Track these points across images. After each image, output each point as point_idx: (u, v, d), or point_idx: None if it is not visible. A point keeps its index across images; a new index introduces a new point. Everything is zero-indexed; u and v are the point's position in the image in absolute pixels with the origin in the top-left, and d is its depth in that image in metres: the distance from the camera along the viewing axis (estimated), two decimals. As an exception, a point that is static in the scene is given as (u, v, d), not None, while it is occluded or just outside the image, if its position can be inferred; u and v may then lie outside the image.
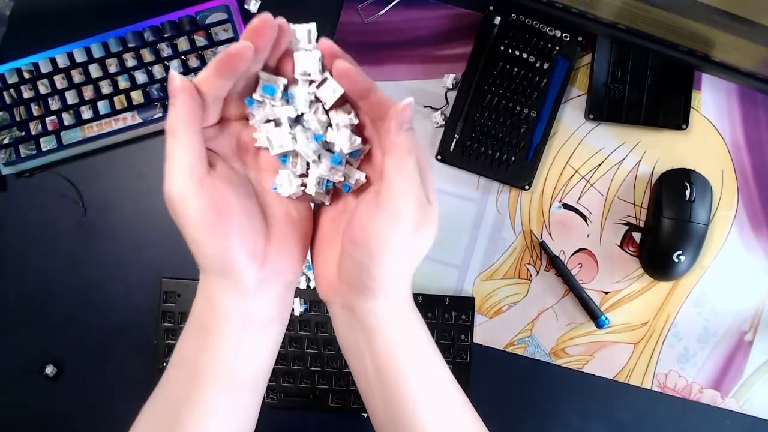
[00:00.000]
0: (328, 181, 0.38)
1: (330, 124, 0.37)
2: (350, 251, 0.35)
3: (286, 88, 0.36)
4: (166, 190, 0.33)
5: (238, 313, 0.36)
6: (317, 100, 0.36)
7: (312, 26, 0.35)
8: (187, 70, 0.66)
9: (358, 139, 0.36)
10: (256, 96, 0.36)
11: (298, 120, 0.37)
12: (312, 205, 0.40)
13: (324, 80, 0.35)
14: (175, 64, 0.66)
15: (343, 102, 0.36)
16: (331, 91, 0.35)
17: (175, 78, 0.32)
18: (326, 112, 0.37)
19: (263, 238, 0.36)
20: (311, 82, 0.36)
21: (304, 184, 0.38)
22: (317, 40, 0.35)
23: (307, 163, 0.37)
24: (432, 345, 0.39)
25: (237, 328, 0.36)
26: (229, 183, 0.35)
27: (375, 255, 0.34)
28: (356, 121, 0.37)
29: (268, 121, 0.37)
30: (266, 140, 0.36)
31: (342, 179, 0.38)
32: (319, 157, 0.37)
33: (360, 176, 0.37)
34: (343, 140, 0.36)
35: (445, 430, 0.38)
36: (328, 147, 0.37)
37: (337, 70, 0.34)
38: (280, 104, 0.36)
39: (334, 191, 0.39)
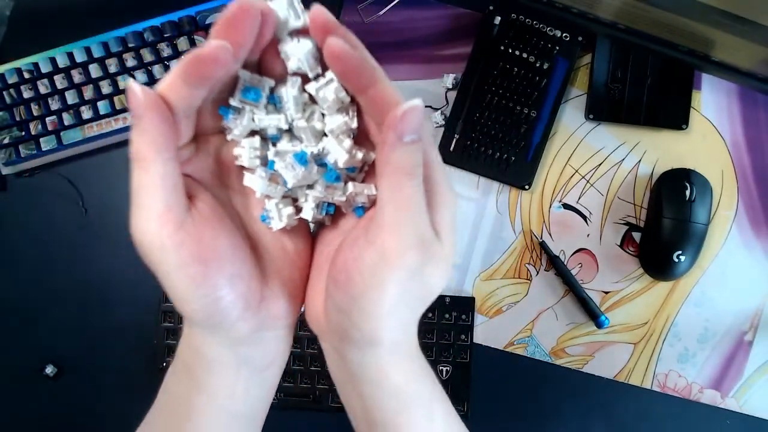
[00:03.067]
0: (329, 204, 0.31)
1: (324, 132, 0.29)
2: (332, 292, 0.29)
3: (272, 90, 0.28)
4: (135, 235, 0.27)
5: (230, 362, 0.31)
6: (312, 101, 0.28)
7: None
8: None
9: (359, 153, 0.29)
10: (234, 102, 0.28)
11: (288, 131, 0.29)
12: (312, 226, 0.33)
13: (319, 77, 0.28)
14: (175, 64, 0.66)
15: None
16: (333, 94, 0.27)
17: (137, 91, 0.25)
18: (323, 117, 0.29)
19: (257, 280, 0.30)
20: (305, 79, 0.28)
21: (298, 209, 0.30)
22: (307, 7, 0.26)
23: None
24: (435, 401, 0.33)
25: (230, 374, 0.32)
26: (213, 220, 0.28)
27: (359, 302, 0.27)
28: (354, 125, 0.29)
29: (253, 133, 0.29)
30: (247, 160, 0.29)
31: (343, 199, 0.29)
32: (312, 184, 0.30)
33: (371, 191, 0.29)
34: (337, 151, 0.28)
35: None
36: (320, 160, 0.29)
37: (328, 49, 0.26)
38: (265, 111, 0.28)
39: (337, 208, 0.32)
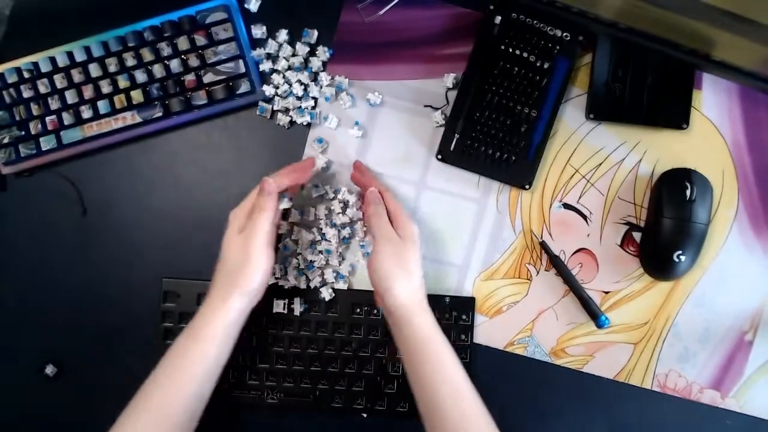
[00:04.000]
0: (346, 238, 0.67)
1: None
2: (370, 273, 0.59)
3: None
4: (252, 239, 0.55)
5: (242, 318, 0.57)
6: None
7: (319, 162, 0.67)
8: (186, 69, 0.66)
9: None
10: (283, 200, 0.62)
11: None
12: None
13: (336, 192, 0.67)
14: (175, 64, 0.66)
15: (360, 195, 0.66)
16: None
17: (272, 182, 0.58)
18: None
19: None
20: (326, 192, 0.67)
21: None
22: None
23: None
24: (447, 345, 0.56)
25: (236, 325, 0.57)
26: (271, 247, 0.58)
27: (374, 267, 0.57)
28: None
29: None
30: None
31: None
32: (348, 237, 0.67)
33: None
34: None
35: (452, 405, 0.54)
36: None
37: (355, 169, 0.66)
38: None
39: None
